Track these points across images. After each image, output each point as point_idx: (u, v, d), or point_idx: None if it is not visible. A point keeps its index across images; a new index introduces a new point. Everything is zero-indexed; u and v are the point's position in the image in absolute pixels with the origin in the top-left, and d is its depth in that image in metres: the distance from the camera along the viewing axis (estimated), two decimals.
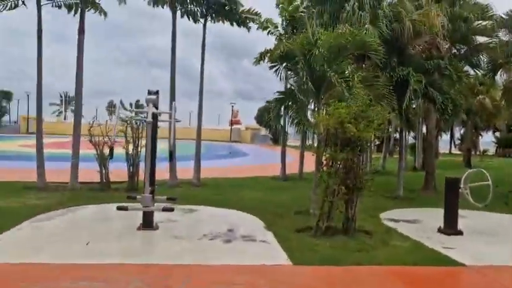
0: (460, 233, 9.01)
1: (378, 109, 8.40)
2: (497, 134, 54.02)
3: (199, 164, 15.26)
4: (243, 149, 45.81)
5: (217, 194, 13.34)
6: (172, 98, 14.48)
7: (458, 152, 51.90)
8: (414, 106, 13.75)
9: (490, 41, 15.19)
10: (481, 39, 15.83)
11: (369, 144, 8.21)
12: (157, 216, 8.85)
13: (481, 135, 52.16)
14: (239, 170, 22.89)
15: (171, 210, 8.11)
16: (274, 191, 14.77)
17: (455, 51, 15.83)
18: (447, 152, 55.87)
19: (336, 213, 8.55)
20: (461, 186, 9.19)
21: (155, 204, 8.37)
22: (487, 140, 58.39)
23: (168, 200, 9.14)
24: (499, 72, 17.55)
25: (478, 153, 47.84)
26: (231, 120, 70.39)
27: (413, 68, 12.85)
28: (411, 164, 28.68)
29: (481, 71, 16.92)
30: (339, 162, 8.40)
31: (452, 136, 56.72)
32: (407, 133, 39.82)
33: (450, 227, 9.09)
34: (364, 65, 12.76)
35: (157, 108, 8.35)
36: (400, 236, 8.75)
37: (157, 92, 8.42)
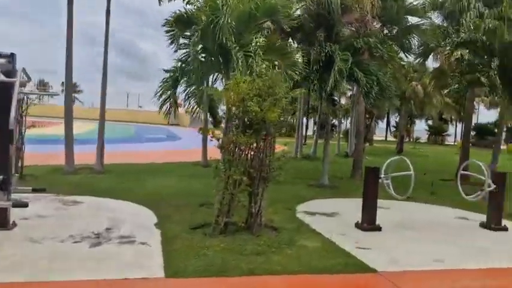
0: (378, 228, 8.04)
1: (286, 85, 7.10)
2: (430, 122, 55.70)
3: (103, 148, 13.43)
4: (178, 133, 43.77)
5: (119, 183, 11.66)
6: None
7: (394, 139, 52.94)
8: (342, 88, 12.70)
9: (422, 22, 14.48)
10: (413, 20, 15.12)
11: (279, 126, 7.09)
12: (26, 212, 7.15)
13: (414, 122, 53.51)
14: (163, 154, 21.15)
15: (25, 205, 6.40)
16: (189, 179, 13.28)
17: (387, 32, 15.00)
18: (383, 139, 56.94)
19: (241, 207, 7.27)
20: (382, 175, 8.19)
21: (11, 197, 6.61)
22: (420, 128, 60.26)
23: (34, 191, 7.40)
24: (430, 57, 17.04)
25: (411, 140, 48.97)
26: None
27: (342, 46, 11.76)
28: (346, 150, 28.26)
29: (412, 55, 16.27)
30: (242, 147, 7.08)
31: (388, 123, 57.77)
32: (342, 118, 39.81)
33: (368, 222, 8.09)
34: (282, 37, 11.48)
35: (9, 76, 6.52)
36: (311, 233, 7.61)
37: (10, 56, 6.58)
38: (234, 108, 6.97)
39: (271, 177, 7.23)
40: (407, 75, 29.73)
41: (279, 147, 14.01)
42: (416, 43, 15.57)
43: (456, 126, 57.43)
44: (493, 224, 8.75)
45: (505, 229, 8.70)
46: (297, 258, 6.13)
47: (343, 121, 37.20)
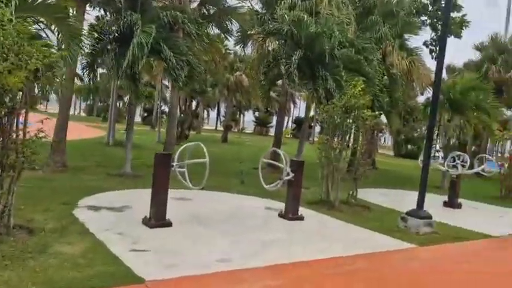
0: (168, 224, 6.98)
1: (39, 43, 5.41)
2: (257, 113, 58.45)
3: None
4: None
5: None
6: None
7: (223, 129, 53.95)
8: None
9: (240, 5, 14.08)
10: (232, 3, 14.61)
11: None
12: None
13: (243, 113, 55.41)
14: None
15: None
16: None
17: (205, 11, 14.20)
18: (213, 128, 57.67)
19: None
20: (174, 163, 7.13)
21: None
22: (250, 119, 62.90)
23: None
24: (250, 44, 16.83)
25: (238, 130, 50.53)
26: None
27: (147, 18, 10.37)
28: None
29: (232, 39, 15.85)
30: None
31: (219, 113, 58.77)
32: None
33: (156, 217, 6.95)
34: None
35: None
36: (79, 234, 6.10)
37: None
38: None
39: (20, 164, 5.46)
40: (233, 65, 29.95)
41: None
42: (235, 28, 15.16)
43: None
44: (290, 214, 8.54)
45: (301, 218, 8.58)
46: (39, 272, 4.59)
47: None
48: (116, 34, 9.76)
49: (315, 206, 10.24)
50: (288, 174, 8.40)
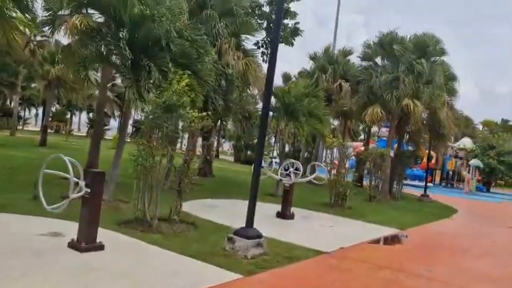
0: None
1: None
2: (92, 114, 53.28)
3: None
4: None
5: None
6: None
7: (50, 130, 47.62)
8: None
9: None
10: None
11: None
12: None
13: (73, 113, 49.87)
14: None
15: None
16: None
17: None
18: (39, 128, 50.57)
19: None
20: None
21: None
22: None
23: None
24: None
25: (65, 132, 45.11)
26: None
27: None
28: None
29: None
30: None
31: (44, 112, 51.79)
32: None
33: None
34: None
35: None
36: None
37: None
38: None
39: None
40: (54, 56, 25.70)
41: None
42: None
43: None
44: (83, 243, 6.36)
45: (100, 247, 6.48)
46: None
47: None
48: None
49: (129, 226, 8.25)
50: (79, 189, 6.23)
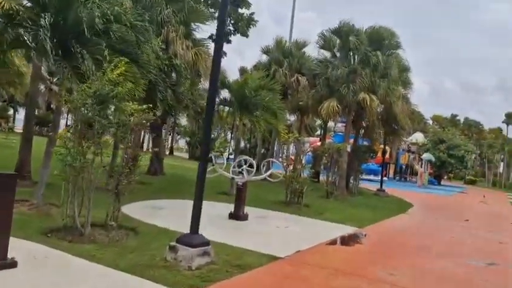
0: None
1: None
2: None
3: None
4: None
5: None
6: None
7: None
8: None
9: None
10: None
11: None
12: None
13: (16, 109, 46.77)
14: None
15: None
16: None
17: None
18: None
19: None
20: None
21: None
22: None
23: None
24: None
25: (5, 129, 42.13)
26: None
27: None
28: None
29: None
30: None
31: None
32: None
33: None
34: None
35: None
36: None
37: None
38: None
39: None
40: None
41: None
42: None
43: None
44: None
45: (12, 265, 5.38)
46: None
47: None
48: None
49: (56, 235, 7.14)
50: None
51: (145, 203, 11.44)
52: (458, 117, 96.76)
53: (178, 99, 12.85)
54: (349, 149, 20.05)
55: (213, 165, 10.41)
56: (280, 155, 23.74)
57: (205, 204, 9.85)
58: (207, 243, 6.65)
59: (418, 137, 49.55)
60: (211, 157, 10.78)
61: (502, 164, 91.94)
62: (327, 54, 20.84)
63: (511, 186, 76.31)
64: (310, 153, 21.97)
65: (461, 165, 50.24)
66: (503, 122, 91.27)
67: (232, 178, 10.36)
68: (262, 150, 28.77)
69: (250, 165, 10.66)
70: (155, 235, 8.02)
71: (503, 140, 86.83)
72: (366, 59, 19.22)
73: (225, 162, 14.16)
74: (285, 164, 14.83)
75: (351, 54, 20.10)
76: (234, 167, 11.43)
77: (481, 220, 18.13)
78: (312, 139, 33.41)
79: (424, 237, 11.87)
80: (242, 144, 35.74)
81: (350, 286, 6.40)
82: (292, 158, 15.58)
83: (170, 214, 10.34)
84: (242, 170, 10.38)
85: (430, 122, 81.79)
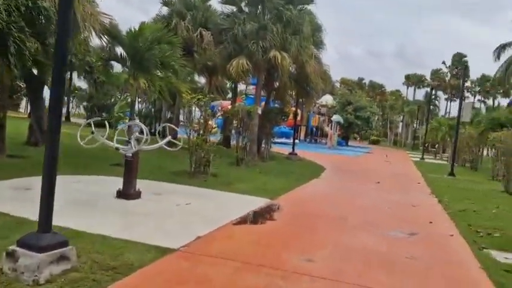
0: None
1: None
2: None
3: None
4: None
5: None
6: None
7: None
8: None
9: None
10: None
11: None
12: None
13: None
14: None
15: None
16: None
17: None
18: None
19: None
20: None
21: None
22: None
23: None
24: None
25: None
26: None
27: None
28: None
29: None
30: None
31: None
32: None
33: None
34: None
35: None
36: None
37: None
38: None
39: None
40: None
41: None
42: None
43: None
44: None
45: None
46: None
47: None
48: None
49: None
50: None
51: (10, 182, 9.06)
52: (364, 81, 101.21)
53: (48, 53, 10.21)
54: (260, 112, 18.72)
55: (92, 132, 8.30)
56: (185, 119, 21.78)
57: (91, 179, 7.88)
58: (63, 243, 4.75)
59: (328, 99, 50.18)
60: (89, 122, 8.65)
61: (401, 124, 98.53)
62: (233, 8, 18.96)
63: (408, 145, 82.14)
64: (220, 117, 20.33)
65: (367, 126, 52.18)
66: (403, 84, 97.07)
67: (117, 148, 8.35)
68: (169, 115, 26.52)
69: (142, 132, 8.71)
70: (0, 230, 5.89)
71: (403, 101, 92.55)
72: (278, 14, 17.68)
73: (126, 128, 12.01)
74: (188, 129, 13.03)
75: (260, 8, 18.41)
76: (129, 134, 9.45)
77: (391, 181, 18.06)
78: (224, 102, 31.74)
79: (340, 205, 10.97)
80: (144, 107, 32.88)
81: (261, 285, 4.96)
82: (201, 122, 13.82)
83: (36, 197, 8.12)
84: (130, 138, 8.39)
85: (339, 85, 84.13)
